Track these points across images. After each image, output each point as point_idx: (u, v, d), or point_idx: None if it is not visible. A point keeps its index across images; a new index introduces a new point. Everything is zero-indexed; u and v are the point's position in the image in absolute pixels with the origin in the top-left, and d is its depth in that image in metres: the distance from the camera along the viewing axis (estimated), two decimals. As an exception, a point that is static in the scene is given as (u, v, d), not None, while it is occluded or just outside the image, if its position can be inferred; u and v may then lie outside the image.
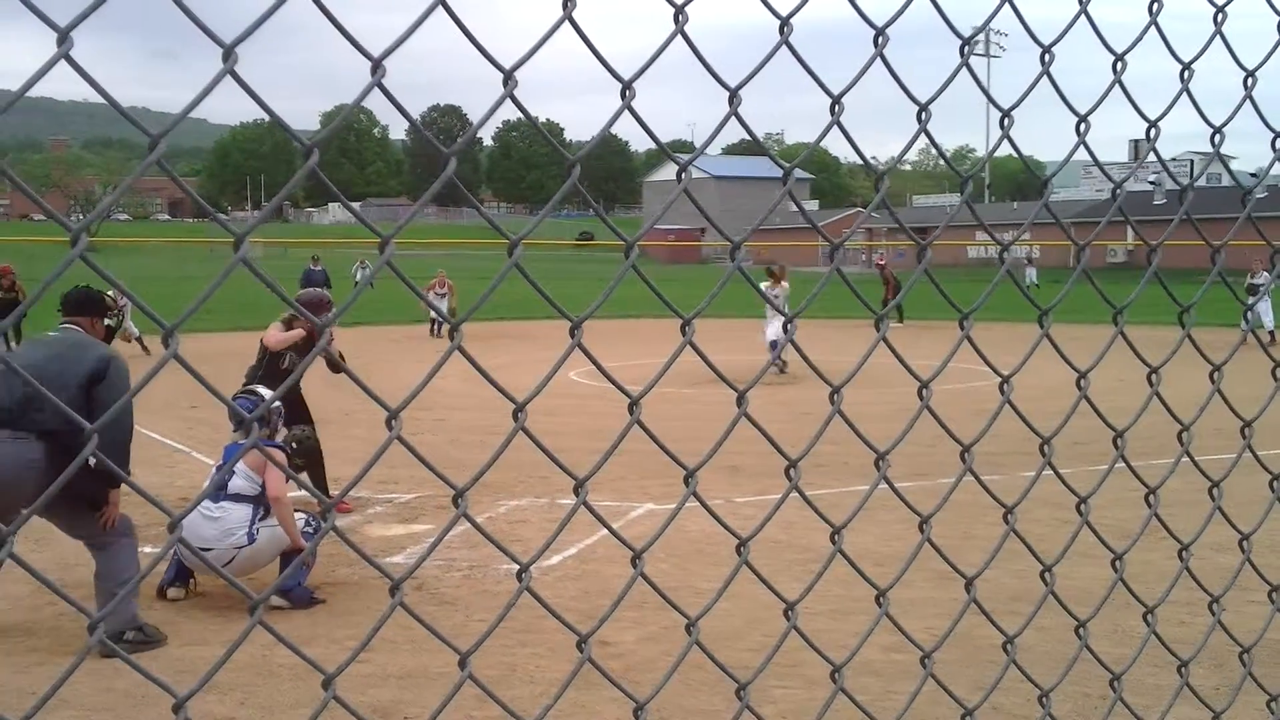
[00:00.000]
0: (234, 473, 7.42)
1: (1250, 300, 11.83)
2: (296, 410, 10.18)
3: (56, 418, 6.21)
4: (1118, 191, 2.12)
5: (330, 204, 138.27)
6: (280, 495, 7.58)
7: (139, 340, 24.37)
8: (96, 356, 6.58)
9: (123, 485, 7.00)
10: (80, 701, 5.76)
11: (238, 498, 7.45)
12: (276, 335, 10.08)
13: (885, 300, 32.01)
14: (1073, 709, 5.51)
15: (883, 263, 32.97)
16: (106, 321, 7.21)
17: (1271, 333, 24.42)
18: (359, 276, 39.86)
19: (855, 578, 2.14)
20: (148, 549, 8.02)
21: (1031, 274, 45.84)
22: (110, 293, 8.39)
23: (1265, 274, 24.90)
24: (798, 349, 1.78)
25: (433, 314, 27.59)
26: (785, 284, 20.20)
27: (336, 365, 10.08)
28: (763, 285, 20.17)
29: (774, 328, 20.47)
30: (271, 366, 9.97)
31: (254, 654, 6.28)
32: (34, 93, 1.22)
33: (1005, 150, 2.12)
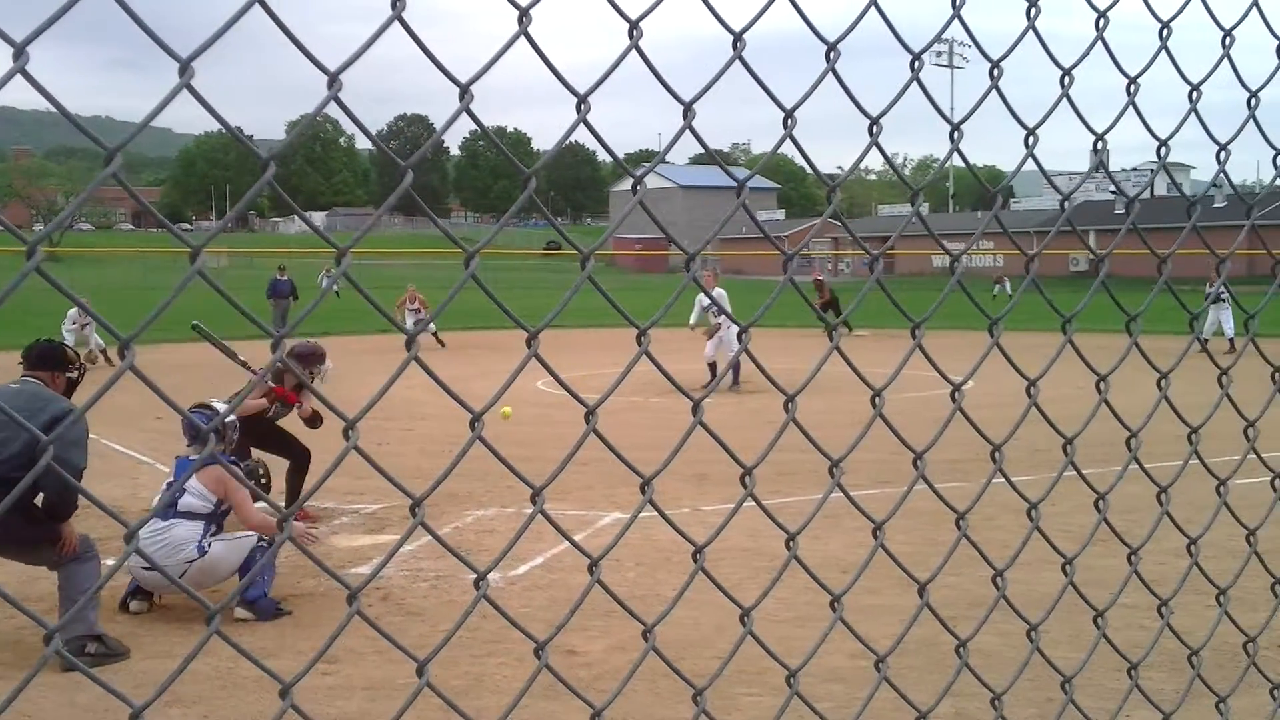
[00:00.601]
0: (185, 490, 7.37)
1: (1201, 308, 12.02)
2: (271, 441, 10.19)
3: (10, 465, 6.14)
4: (1065, 204, 2.15)
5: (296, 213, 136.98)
6: (259, 524, 7.60)
7: (103, 353, 24.10)
8: (55, 409, 6.52)
9: (80, 503, 6.96)
10: (42, 716, 5.71)
11: (189, 515, 7.40)
12: (249, 404, 9.86)
13: (823, 308, 31.95)
14: (1036, 713, 5.55)
15: (820, 276, 33.09)
16: (68, 375, 7.14)
17: (1231, 340, 24.71)
18: (324, 284, 39.62)
19: (821, 586, 2.17)
20: (110, 561, 7.95)
21: (1005, 286, 45.81)
22: (74, 335, 8.35)
23: (1223, 285, 26.03)
24: (753, 359, 1.80)
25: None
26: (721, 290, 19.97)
27: (313, 423, 10.14)
28: (699, 295, 19.44)
29: (711, 345, 19.84)
30: (252, 419, 9.86)
31: (218, 666, 6.24)
32: (-5, 103, 1.23)
33: (972, 160, 2.14)
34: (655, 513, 1.87)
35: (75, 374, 7.17)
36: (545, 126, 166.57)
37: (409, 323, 27.82)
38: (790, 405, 1.84)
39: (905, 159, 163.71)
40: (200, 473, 7.44)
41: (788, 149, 1.82)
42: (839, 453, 2.01)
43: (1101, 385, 2.22)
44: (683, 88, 1.68)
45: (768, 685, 5.94)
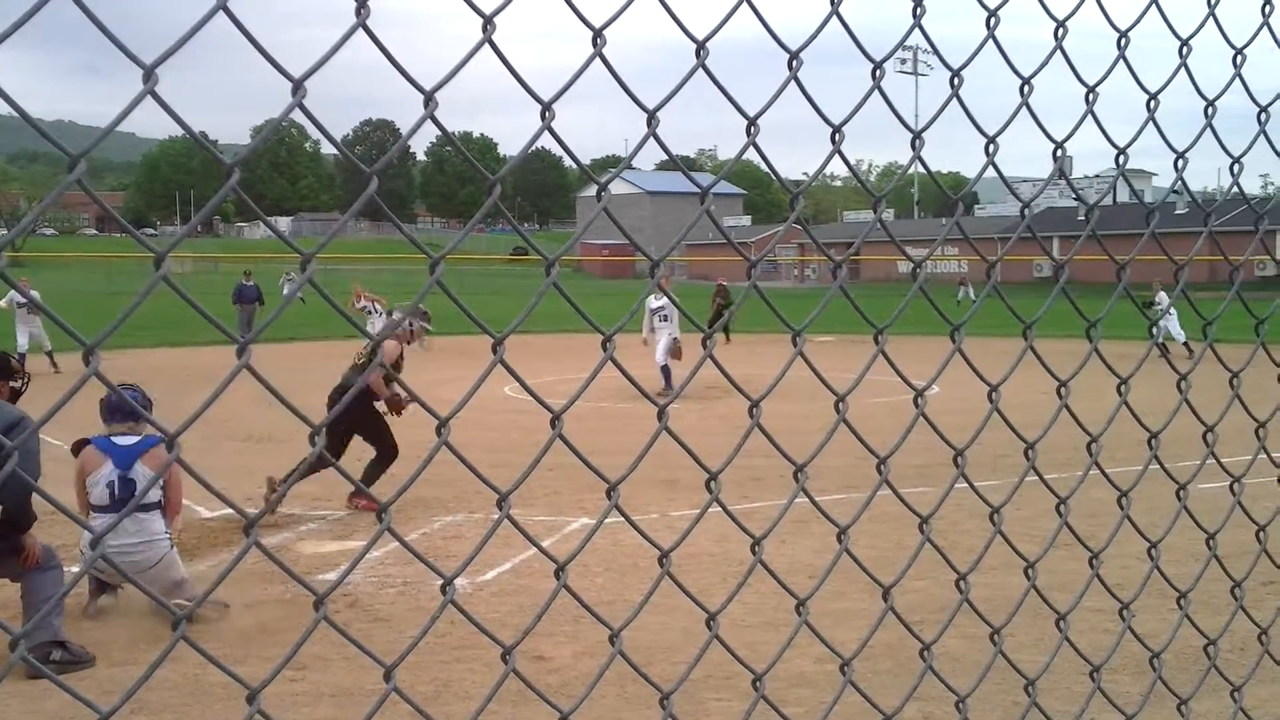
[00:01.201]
0: (140, 478, 7.28)
1: (1152, 317, 12.38)
2: (368, 427, 10.64)
3: None
4: (1026, 211, 2.18)
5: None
6: (178, 504, 7.58)
7: (50, 355, 23.66)
8: (8, 417, 6.47)
9: (45, 510, 6.89)
10: (4, 724, 5.67)
11: (147, 507, 7.34)
12: (388, 348, 10.44)
13: (710, 319, 31.82)
14: (1001, 716, 5.59)
15: (723, 281, 33.17)
16: (12, 384, 7.07)
17: (1186, 344, 25.01)
18: (286, 290, 39.51)
19: (789, 590, 2.18)
20: (74, 569, 7.87)
21: (969, 290, 46.28)
22: (15, 356, 8.22)
23: (1164, 294, 26.07)
24: (716, 363, 1.81)
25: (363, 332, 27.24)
26: (672, 297, 18.95)
27: (395, 405, 10.47)
28: (646, 301, 19.10)
29: (662, 349, 19.33)
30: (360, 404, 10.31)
31: (186, 673, 6.20)
32: (-45, 109, 1.22)
33: (938, 167, 2.16)
34: (623, 518, 1.88)
35: (19, 383, 7.10)
36: (512, 132, 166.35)
37: (369, 325, 27.74)
38: (755, 410, 1.85)
39: (870, 165, 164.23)
40: (145, 457, 7.35)
41: (753, 155, 1.83)
42: (805, 458, 2.02)
43: (1062, 390, 2.25)
44: (653, 92, 1.69)
45: (737, 690, 5.95)
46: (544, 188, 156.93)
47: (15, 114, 1.24)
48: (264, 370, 1.42)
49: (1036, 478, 2.36)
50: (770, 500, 10.22)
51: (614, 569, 8.44)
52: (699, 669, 2.13)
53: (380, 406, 10.69)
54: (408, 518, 10.02)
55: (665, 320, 19.71)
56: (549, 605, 1.82)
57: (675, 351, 19.35)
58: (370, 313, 29.03)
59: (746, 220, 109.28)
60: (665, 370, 19.18)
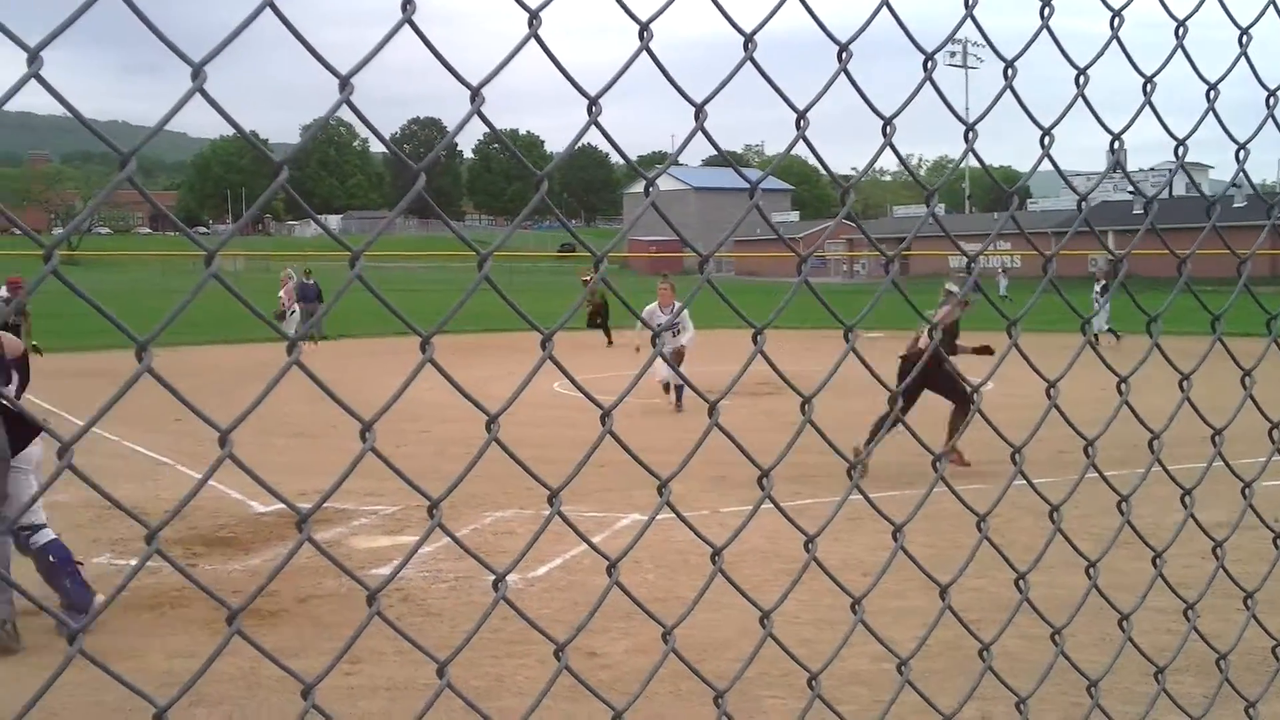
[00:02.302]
0: None
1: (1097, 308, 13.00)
2: (941, 383, 11.06)
3: None
4: (1083, 204, 2.14)
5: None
6: None
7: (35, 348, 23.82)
8: None
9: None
10: (67, 714, 5.74)
11: None
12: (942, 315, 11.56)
13: (590, 317, 31.28)
14: (1061, 717, 5.52)
15: (586, 278, 32.89)
16: None
17: (1114, 333, 25.34)
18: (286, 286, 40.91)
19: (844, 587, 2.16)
20: (133, 562, 7.98)
21: (1002, 284, 45.91)
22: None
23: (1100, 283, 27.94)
24: (766, 358, 1.79)
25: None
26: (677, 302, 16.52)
27: (985, 351, 11.42)
28: (649, 307, 17.18)
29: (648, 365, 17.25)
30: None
31: (242, 666, 6.27)
32: (13, 108, 1.23)
33: (988, 161, 2.13)
34: (674, 515, 1.87)
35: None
36: (556, 129, 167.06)
37: (290, 326, 28.01)
38: (808, 407, 1.83)
39: (920, 160, 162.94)
40: None
41: (801, 150, 1.81)
42: (848, 455, 2.00)
43: (1122, 386, 2.20)
44: (695, 88, 1.67)
45: (791, 688, 5.92)
46: (590, 184, 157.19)
47: (68, 114, 1.25)
48: (315, 367, 1.42)
49: (1095, 475, 2.32)
50: (821, 497, 10.16)
51: (664, 565, 8.43)
52: (753, 666, 2.11)
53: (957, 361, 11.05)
54: (458, 514, 10.07)
55: (675, 334, 17.40)
56: (602, 602, 1.81)
57: (678, 356, 16.92)
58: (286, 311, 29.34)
59: (794, 216, 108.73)
60: (671, 387, 17.46)
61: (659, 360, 17.05)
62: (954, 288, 12.18)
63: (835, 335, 1.85)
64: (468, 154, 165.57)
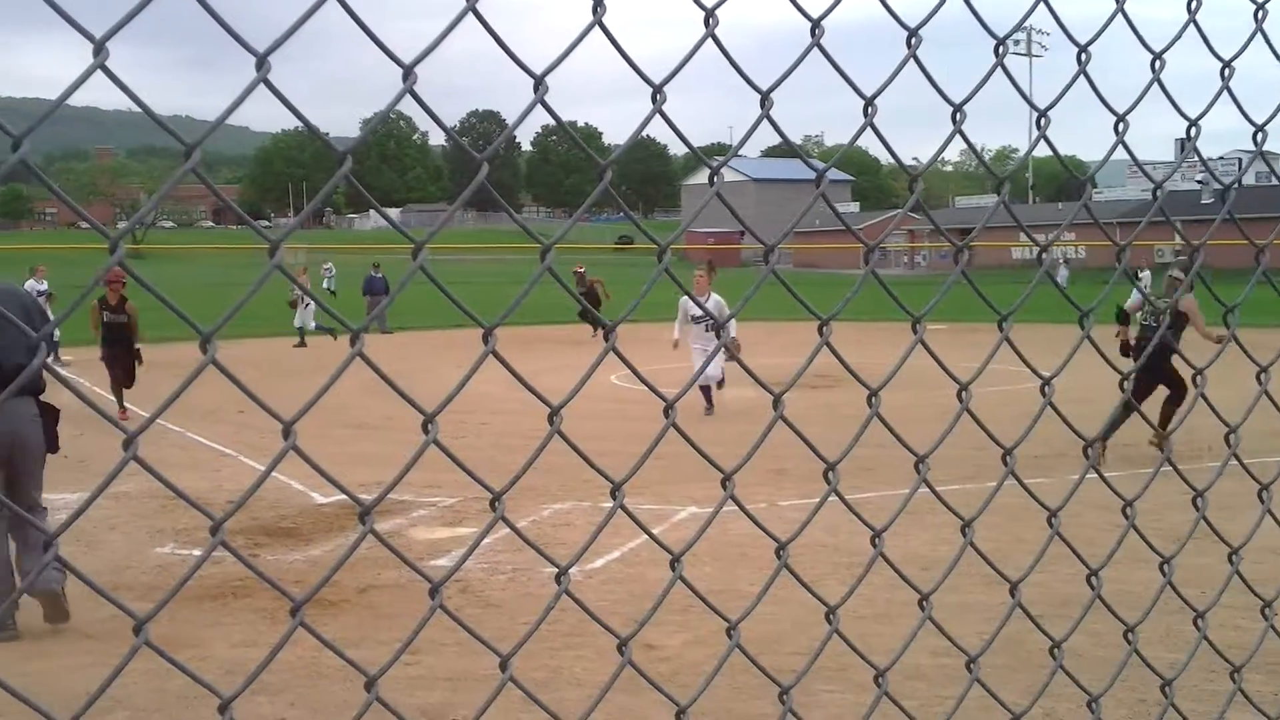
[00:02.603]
0: None
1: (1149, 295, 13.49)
2: (1155, 374, 11.14)
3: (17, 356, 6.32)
4: (1158, 192, 2.09)
5: (371, 209, 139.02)
6: None
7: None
8: (22, 296, 7.15)
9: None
10: (132, 702, 5.84)
11: None
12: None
13: (582, 313, 30.93)
14: (1128, 714, 5.43)
15: (581, 270, 32.58)
16: None
17: None
18: (324, 283, 42.08)
19: (902, 582, 2.13)
20: (196, 552, 8.11)
21: (1063, 275, 45.24)
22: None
23: (1147, 273, 26.98)
24: (832, 350, 1.77)
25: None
26: (719, 298, 15.02)
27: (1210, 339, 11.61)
28: (684, 299, 14.66)
29: (714, 365, 15.34)
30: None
31: (304, 656, 6.34)
32: (79, 103, 1.24)
33: (1048, 150, 2.09)
34: (731, 508, 1.85)
35: None
36: (612, 121, 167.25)
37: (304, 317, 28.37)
38: (874, 400, 1.80)
39: (983, 149, 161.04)
40: None
41: (864, 140, 1.78)
42: (923, 448, 1.97)
43: (1198, 379, 2.15)
44: (754, 78, 1.64)
45: (849, 682, 5.88)
46: (649, 176, 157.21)
47: (134, 109, 1.26)
48: (378, 359, 1.42)
49: (1169, 470, 2.26)
50: (883, 490, 10.08)
51: (723, 559, 8.41)
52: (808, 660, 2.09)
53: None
54: (516, 505, 10.11)
55: (707, 329, 16.34)
56: (665, 596, 1.80)
57: (736, 346, 14.75)
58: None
59: (854, 207, 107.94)
60: (705, 390, 16.19)
61: (697, 353, 16.53)
62: (1179, 274, 12.34)
63: (891, 327, 1.83)
64: (526, 147, 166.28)
